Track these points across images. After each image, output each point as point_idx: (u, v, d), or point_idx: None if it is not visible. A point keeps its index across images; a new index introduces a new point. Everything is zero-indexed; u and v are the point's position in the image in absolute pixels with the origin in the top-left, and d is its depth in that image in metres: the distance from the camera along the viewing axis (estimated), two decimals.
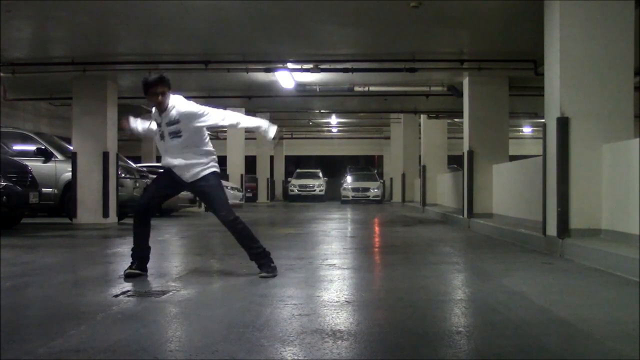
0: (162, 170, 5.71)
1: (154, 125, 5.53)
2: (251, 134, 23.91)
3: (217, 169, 5.48)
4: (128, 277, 5.28)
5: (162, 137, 5.37)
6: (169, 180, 5.50)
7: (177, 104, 5.32)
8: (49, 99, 16.66)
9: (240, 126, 5.72)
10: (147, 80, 5.30)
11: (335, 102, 18.53)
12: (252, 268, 5.79)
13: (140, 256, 5.43)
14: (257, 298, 4.43)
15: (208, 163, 5.41)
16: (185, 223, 13.44)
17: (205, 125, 5.40)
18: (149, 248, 5.52)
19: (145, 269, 5.45)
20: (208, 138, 5.52)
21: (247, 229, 5.49)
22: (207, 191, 5.45)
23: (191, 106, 5.38)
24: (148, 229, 5.52)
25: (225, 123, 5.54)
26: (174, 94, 5.40)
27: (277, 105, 18.99)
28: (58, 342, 3.18)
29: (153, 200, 5.59)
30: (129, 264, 5.41)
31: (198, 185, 5.42)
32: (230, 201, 20.29)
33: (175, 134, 5.29)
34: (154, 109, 5.45)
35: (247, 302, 4.31)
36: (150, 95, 5.29)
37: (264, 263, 5.40)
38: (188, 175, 5.37)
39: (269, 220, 14.48)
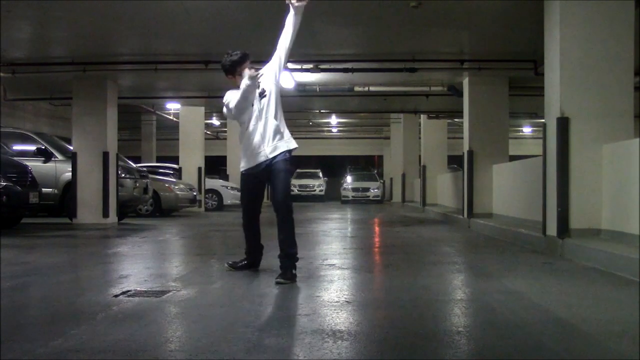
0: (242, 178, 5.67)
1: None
2: None
3: (295, 145, 5.44)
4: (233, 268, 5.69)
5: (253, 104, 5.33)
6: (251, 180, 5.54)
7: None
8: (49, 99, 16.66)
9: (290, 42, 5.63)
10: (233, 60, 5.36)
11: (335, 102, 18.53)
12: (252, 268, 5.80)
13: (253, 253, 5.74)
14: (257, 298, 4.43)
15: (288, 138, 5.39)
16: (185, 223, 13.44)
17: (279, 68, 5.43)
18: (261, 247, 5.79)
19: (257, 265, 5.76)
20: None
21: (294, 226, 5.40)
22: (281, 167, 5.32)
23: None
24: (258, 231, 5.75)
25: (284, 52, 5.55)
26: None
27: None
28: (58, 342, 3.18)
29: (253, 205, 5.72)
30: (240, 260, 5.71)
31: (276, 162, 5.32)
32: (231, 201, 20.13)
33: (262, 95, 5.32)
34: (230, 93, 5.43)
35: (247, 302, 4.31)
36: (239, 75, 5.32)
37: (289, 267, 5.20)
38: (269, 149, 5.29)
39: (269, 220, 14.44)
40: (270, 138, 5.31)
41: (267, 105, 5.33)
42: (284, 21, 5.49)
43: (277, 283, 5.01)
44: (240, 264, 5.77)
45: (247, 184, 5.65)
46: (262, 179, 5.49)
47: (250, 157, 5.40)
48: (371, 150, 36.72)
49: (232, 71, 5.39)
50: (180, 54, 11.40)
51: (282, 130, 5.36)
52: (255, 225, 5.74)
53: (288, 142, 5.38)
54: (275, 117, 5.33)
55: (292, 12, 5.45)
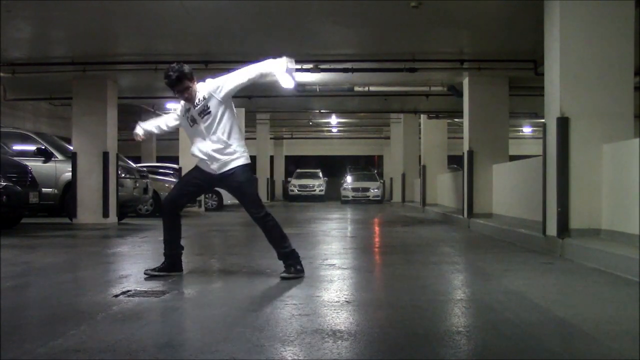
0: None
1: (171, 118, 5.56)
2: (249, 134, 23.92)
3: (247, 161, 5.33)
4: (150, 277, 5.23)
5: (192, 121, 5.27)
6: (198, 175, 5.41)
7: (202, 87, 5.26)
8: (49, 99, 16.66)
9: (265, 76, 5.40)
10: (170, 80, 5.17)
11: (335, 102, 18.53)
12: (253, 268, 5.81)
13: (170, 255, 5.38)
14: (257, 298, 4.43)
15: (236, 153, 5.25)
16: (185, 223, 13.34)
17: (228, 92, 5.19)
18: (180, 247, 5.46)
19: (179, 269, 5.43)
20: (237, 124, 5.33)
21: (278, 227, 5.38)
22: (236, 186, 5.31)
23: (213, 81, 5.27)
24: (178, 227, 5.44)
25: (246, 80, 5.23)
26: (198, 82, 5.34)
27: (277, 105, 18.99)
28: (58, 342, 3.18)
29: (180, 198, 5.53)
30: (160, 264, 5.39)
31: (227, 179, 5.28)
32: (231, 201, 20.12)
33: (204, 113, 5.19)
34: (182, 103, 5.38)
35: (247, 302, 4.31)
36: (179, 92, 5.23)
37: (291, 264, 5.27)
38: (216, 166, 5.25)
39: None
40: (219, 155, 5.24)
41: (212, 124, 5.22)
42: (271, 62, 5.31)
43: (283, 278, 5.13)
44: (160, 267, 5.40)
45: (192, 175, 5.51)
46: (213, 181, 5.43)
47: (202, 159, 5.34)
48: (371, 150, 36.73)
49: (172, 89, 5.26)
50: (180, 54, 11.37)
51: (230, 150, 5.24)
52: (176, 219, 5.47)
53: (236, 161, 5.27)
54: (225, 135, 5.23)
55: (278, 68, 5.28)
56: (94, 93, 12.66)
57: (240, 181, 5.27)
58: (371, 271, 6.23)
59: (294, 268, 5.26)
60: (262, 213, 5.29)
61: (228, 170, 5.25)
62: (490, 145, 12.26)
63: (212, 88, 5.22)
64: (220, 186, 5.67)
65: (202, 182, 5.47)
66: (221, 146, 5.21)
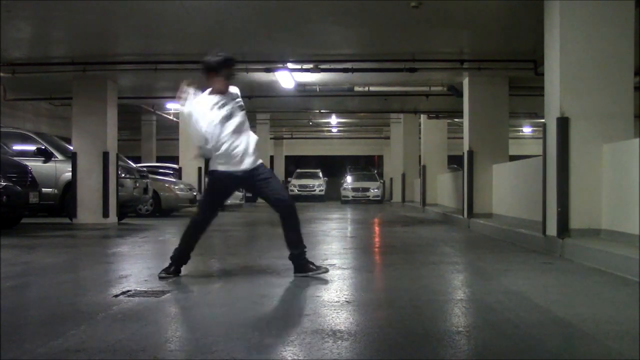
0: (212, 177, 5.50)
1: (196, 122, 5.33)
2: None
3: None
4: (161, 279, 5.24)
5: (227, 117, 5.25)
6: (224, 182, 5.41)
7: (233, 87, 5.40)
8: (49, 99, 16.66)
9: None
10: (231, 62, 5.29)
11: (335, 102, 18.53)
12: (253, 268, 5.80)
13: (179, 257, 5.42)
14: (257, 298, 4.43)
15: (256, 152, 5.40)
16: (185, 223, 13.37)
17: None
18: (188, 257, 5.51)
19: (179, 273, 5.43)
20: None
21: (298, 220, 5.51)
22: (264, 178, 5.37)
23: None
24: (197, 240, 5.50)
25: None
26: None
27: (277, 105, 18.99)
28: (58, 342, 3.18)
29: (212, 215, 5.56)
30: (167, 266, 5.38)
31: (255, 174, 5.33)
32: (231, 201, 20.06)
33: (241, 108, 5.33)
34: (206, 99, 5.31)
35: (247, 302, 4.31)
36: (228, 78, 5.29)
37: (304, 263, 5.37)
38: (249, 162, 5.29)
39: (268, 220, 14.45)
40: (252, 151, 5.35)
41: (245, 121, 5.39)
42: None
43: (313, 276, 5.27)
44: (172, 269, 5.41)
45: (217, 186, 5.53)
46: (239, 182, 5.47)
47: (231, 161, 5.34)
48: (371, 150, 36.73)
49: (215, 71, 5.30)
50: (180, 54, 11.39)
51: (254, 147, 5.39)
52: (203, 233, 5.57)
53: (259, 158, 5.44)
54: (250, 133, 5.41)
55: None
56: (94, 93, 12.66)
57: (267, 174, 5.40)
58: (371, 271, 6.23)
59: (312, 264, 5.38)
60: (291, 201, 5.48)
61: (255, 166, 5.34)
62: (490, 145, 12.26)
63: (237, 94, 5.41)
64: (245, 185, 5.64)
65: (229, 188, 5.55)
66: (253, 143, 5.34)
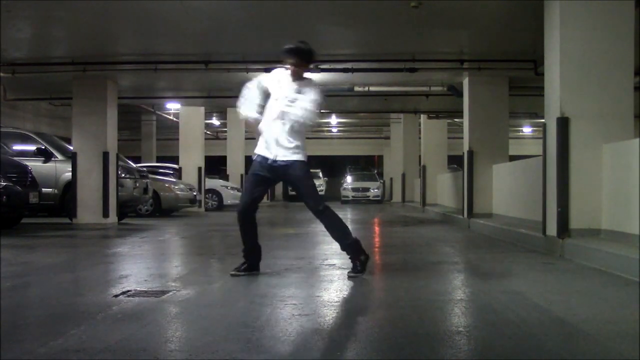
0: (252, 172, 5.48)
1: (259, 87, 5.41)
2: (250, 134, 23.77)
3: (305, 159, 5.39)
4: (234, 276, 5.30)
5: (280, 102, 5.27)
6: (260, 171, 5.37)
7: (308, 80, 5.40)
8: (49, 99, 16.66)
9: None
10: (310, 49, 5.27)
11: (335, 102, 18.52)
12: None
13: (252, 255, 5.43)
14: (257, 298, 4.43)
15: (298, 148, 5.31)
16: (185, 223, 13.43)
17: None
18: (259, 247, 5.48)
19: (257, 268, 5.45)
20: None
21: (338, 219, 5.47)
22: (294, 179, 5.36)
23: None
24: (255, 227, 5.45)
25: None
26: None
27: None
28: (58, 342, 3.18)
29: (254, 203, 5.46)
30: (240, 264, 5.41)
31: (287, 170, 5.31)
32: (231, 201, 20.12)
33: (292, 102, 5.26)
34: (277, 73, 5.38)
35: (247, 302, 4.31)
36: (308, 63, 5.31)
37: (355, 256, 5.39)
38: (281, 154, 5.27)
39: (269, 220, 14.47)
40: (285, 143, 5.30)
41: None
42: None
43: (350, 277, 5.29)
44: (242, 267, 5.52)
45: (255, 178, 5.45)
46: (275, 174, 5.43)
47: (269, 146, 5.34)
48: (371, 150, 36.73)
49: (304, 59, 5.29)
50: (180, 54, 11.40)
51: (295, 143, 5.32)
52: (252, 221, 5.50)
53: (296, 154, 5.33)
54: (295, 126, 5.32)
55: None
56: (94, 93, 12.66)
57: (299, 175, 5.33)
58: (371, 271, 6.22)
59: (360, 262, 5.37)
60: (322, 207, 5.37)
61: (287, 161, 5.29)
62: (490, 145, 12.27)
63: (309, 90, 5.34)
64: (282, 178, 5.56)
65: (268, 176, 5.43)
66: (289, 136, 5.27)
